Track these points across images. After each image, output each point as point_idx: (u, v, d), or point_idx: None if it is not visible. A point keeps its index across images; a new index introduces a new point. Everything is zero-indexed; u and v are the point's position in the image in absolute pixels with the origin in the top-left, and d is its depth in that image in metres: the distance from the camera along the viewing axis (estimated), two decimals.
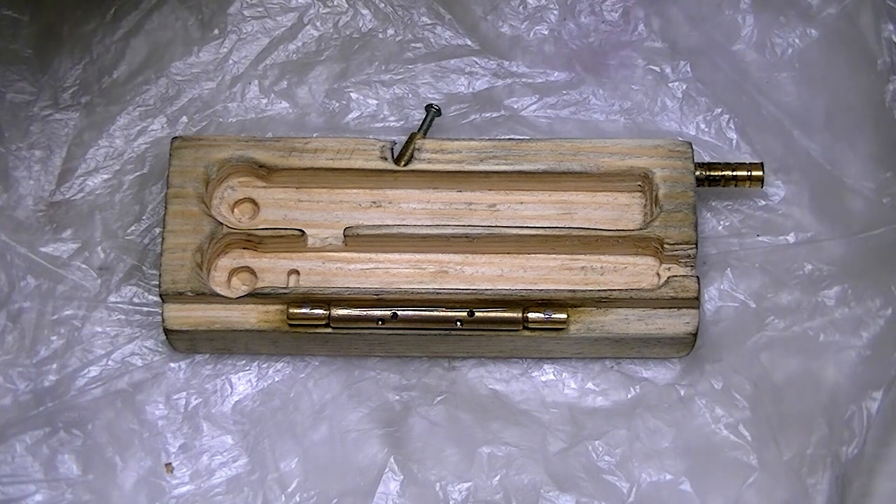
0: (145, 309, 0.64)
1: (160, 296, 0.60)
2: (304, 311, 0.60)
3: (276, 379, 0.62)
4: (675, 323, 0.60)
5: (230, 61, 0.68)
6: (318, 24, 0.69)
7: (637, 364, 0.63)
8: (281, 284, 0.61)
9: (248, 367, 0.63)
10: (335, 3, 0.69)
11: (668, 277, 0.60)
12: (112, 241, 0.65)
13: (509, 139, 0.63)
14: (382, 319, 0.60)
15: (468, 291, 0.60)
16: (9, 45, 0.67)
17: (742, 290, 0.63)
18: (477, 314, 0.60)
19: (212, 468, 0.61)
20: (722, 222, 0.65)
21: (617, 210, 0.63)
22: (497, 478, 0.61)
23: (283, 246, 0.62)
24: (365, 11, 0.69)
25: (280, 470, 0.61)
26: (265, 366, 0.63)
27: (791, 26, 0.67)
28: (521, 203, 0.63)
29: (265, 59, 0.68)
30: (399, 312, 0.60)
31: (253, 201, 0.63)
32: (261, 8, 0.69)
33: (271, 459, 0.61)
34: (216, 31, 0.68)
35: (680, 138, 0.64)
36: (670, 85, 0.67)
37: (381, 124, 0.67)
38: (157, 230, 0.64)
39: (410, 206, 0.63)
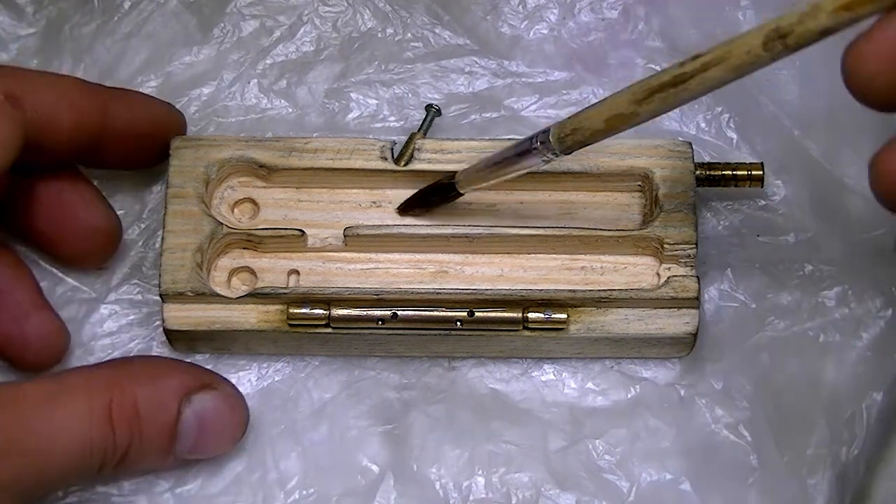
0: (145, 309, 0.64)
1: (160, 296, 0.60)
2: (304, 311, 0.60)
3: (276, 379, 0.62)
4: (675, 323, 0.60)
5: (229, 61, 0.68)
6: (317, 23, 0.69)
7: (637, 364, 0.63)
8: (281, 284, 0.61)
9: (248, 367, 0.62)
10: (334, 2, 0.69)
11: (668, 277, 0.60)
12: None
13: (509, 139, 0.63)
14: (382, 319, 0.60)
15: (468, 291, 0.60)
16: (9, 46, 0.68)
17: (742, 290, 0.63)
18: (477, 314, 0.60)
19: (212, 468, 0.61)
20: (722, 222, 0.65)
21: (617, 210, 0.63)
22: (497, 476, 0.61)
23: (283, 246, 0.62)
24: (364, 11, 0.69)
25: (280, 469, 0.61)
26: (265, 366, 0.63)
27: None
28: (521, 203, 0.63)
29: (264, 58, 0.68)
30: (399, 312, 0.60)
31: (253, 201, 0.63)
32: (260, 7, 0.69)
33: (271, 458, 0.61)
34: (216, 32, 0.68)
35: (680, 138, 0.64)
36: None
37: (381, 124, 0.67)
38: (157, 230, 0.64)
39: None
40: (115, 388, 0.55)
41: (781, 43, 0.47)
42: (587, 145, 0.54)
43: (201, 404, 0.57)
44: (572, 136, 0.54)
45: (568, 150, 0.55)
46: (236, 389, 0.60)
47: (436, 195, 0.61)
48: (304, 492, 0.60)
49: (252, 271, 0.62)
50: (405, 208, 0.62)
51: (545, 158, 0.56)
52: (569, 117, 0.55)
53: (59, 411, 0.54)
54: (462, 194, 0.61)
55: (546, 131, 0.55)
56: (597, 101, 0.54)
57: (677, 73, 0.50)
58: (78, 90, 0.60)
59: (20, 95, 0.57)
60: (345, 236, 0.62)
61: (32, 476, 0.54)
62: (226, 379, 0.60)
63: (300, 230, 0.62)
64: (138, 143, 0.62)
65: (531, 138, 0.56)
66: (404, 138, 0.63)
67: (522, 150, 0.57)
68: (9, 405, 0.54)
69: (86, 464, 0.55)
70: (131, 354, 0.63)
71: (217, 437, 0.59)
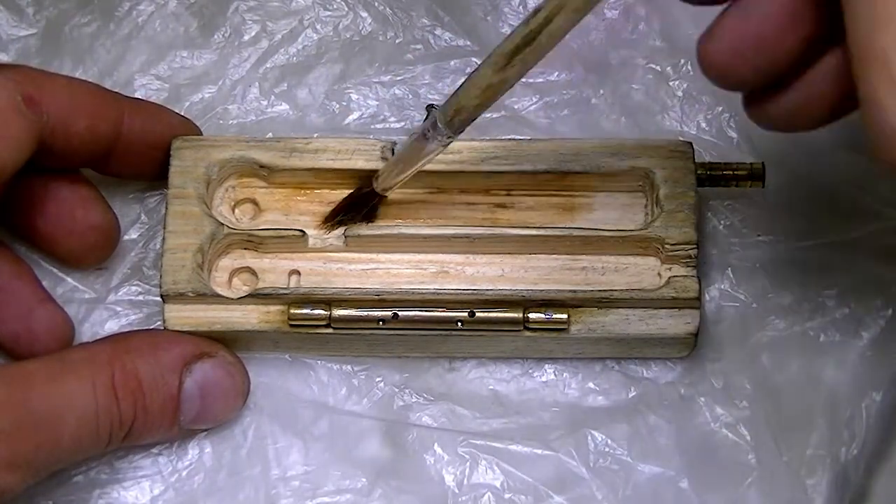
0: (146, 309, 0.64)
1: (161, 296, 0.60)
2: (304, 311, 0.60)
3: (277, 377, 0.62)
4: (676, 323, 0.60)
5: (230, 64, 0.68)
6: (318, 26, 0.69)
7: (638, 364, 0.63)
8: (282, 285, 0.61)
9: (248, 365, 0.62)
10: (335, 6, 0.69)
11: (669, 278, 0.60)
12: None
13: (510, 139, 0.63)
14: (383, 320, 0.60)
15: (469, 292, 0.60)
16: (9, 46, 0.68)
17: (743, 290, 0.63)
18: (478, 314, 0.60)
19: (213, 462, 0.61)
20: (722, 222, 0.65)
21: (618, 210, 0.63)
22: (498, 476, 0.61)
23: (284, 246, 0.62)
24: (364, 14, 0.69)
25: (281, 464, 0.61)
26: (266, 363, 0.62)
27: None
28: (522, 203, 0.63)
29: (265, 61, 0.68)
30: (400, 313, 0.60)
31: (254, 202, 0.63)
32: (261, 11, 0.69)
33: (273, 456, 0.61)
34: (216, 35, 0.68)
35: (681, 138, 0.64)
36: (671, 84, 0.67)
37: (382, 125, 0.67)
38: (158, 231, 0.64)
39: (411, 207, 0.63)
40: (117, 363, 0.56)
41: None
42: (473, 120, 0.55)
43: (202, 373, 0.58)
44: (457, 116, 0.55)
45: (459, 131, 0.56)
46: (235, 356, 0.61)
47: (361, 202, 0.62)
48: (305, 486, 0.60)
49: (253, 272, 0.62)
50: (330, 220, 0.62)
51: (443, 143, 0.57)
52: (448, 101, 0.55)
53: (64, 387, 0.55)
54: (386, 196, 0.61)
55: (433, 119, 0.56)
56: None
57: (525, 32, 0.51)
58: (95, 96, 0.60)
59: (37, 98, 0.57)
60: (345, 237, 0.62)
61: (44, 451, 0.54)
62: (223, 346, 0.60)
63: (301, 230, 0.62)
64: (151, 155, 0.62)
65: (424, 130, 0.57)
66: (404, 138, 0.63)
67: (421, 141, 0.57)
68: (16, 383, 0.55)
69: (94, 437, 0.56)
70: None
71: (219, 404, 0.60)
